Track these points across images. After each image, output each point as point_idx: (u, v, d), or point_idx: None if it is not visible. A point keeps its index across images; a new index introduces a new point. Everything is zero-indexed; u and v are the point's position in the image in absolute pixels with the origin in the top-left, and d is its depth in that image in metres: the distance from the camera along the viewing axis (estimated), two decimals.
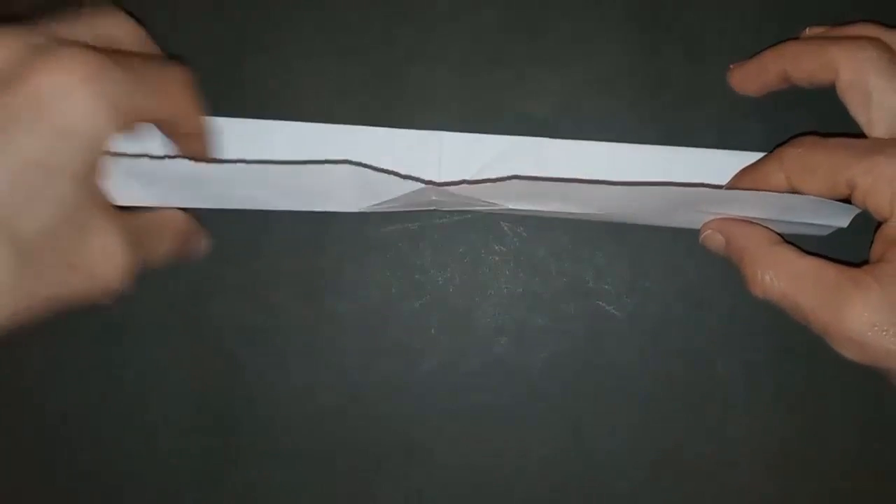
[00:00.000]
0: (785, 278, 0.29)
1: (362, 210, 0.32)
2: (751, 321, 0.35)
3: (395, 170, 0.34)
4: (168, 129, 0.30)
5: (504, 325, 0.36)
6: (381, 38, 0.36)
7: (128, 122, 0.26)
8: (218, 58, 0.35)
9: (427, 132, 0.34)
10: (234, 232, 0.35)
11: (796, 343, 0.35)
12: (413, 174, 0.34)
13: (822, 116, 0.33)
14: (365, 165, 0.32)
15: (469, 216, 0.36)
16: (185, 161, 0.30)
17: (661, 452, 0.35)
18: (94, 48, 0.25)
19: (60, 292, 0.25)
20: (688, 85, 0.36)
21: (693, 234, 0.34)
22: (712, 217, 0.32)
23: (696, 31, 0.36)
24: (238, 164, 0.30)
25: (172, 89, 0.28)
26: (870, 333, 0.26)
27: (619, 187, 0.29)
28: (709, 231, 0.32)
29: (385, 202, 0.32)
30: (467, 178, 0.34)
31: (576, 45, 0.36)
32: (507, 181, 0.33)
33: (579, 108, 0.35)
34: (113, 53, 0.25)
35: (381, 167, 0.34)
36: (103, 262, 0.26)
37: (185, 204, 0.31)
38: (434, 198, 0.32)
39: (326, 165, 0.30)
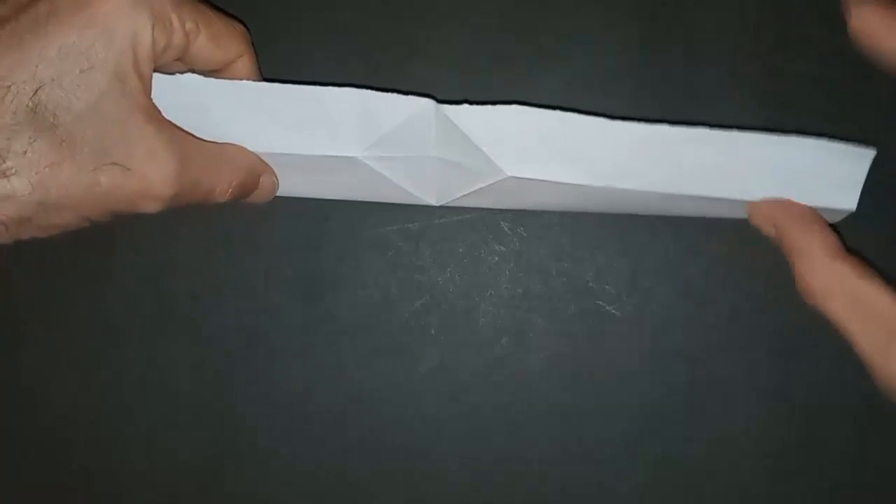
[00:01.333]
0: (840, 301, 0.27)
1: (364, 156, 0.30)
2: (752, 321, 0.35)
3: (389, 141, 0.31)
4: (219, 74, 0.30)
5: (504, 326, 0.35)
6: (379, 37, 0.35)
7: (171, 35, 0.27)
8: None
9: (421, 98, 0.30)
10: (229, 229, 0.35)
11: (797, 343, 0.35)
12: (410, 134, 0.31)
13: (828, 116, 0.33)
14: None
15: (469, 215, 0.35)
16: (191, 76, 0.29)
17: (662, 453, 0.35)
18: None
19: (110, 189, 0.26)
20: (688, 85, 0.35)
21: (694, 230, 0.34)
22: (758, 195, 0.30)
23: (696, 29, 0.35)
24: (235, 82, 0.29)
25: (224, 28, 0.29)
26: None
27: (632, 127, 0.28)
28: (759, 216, 0.30)
29: (386, 138, 0.30)
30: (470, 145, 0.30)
31: (576, 45, 0.35)
32: (512, 107, 0.29)
33: (576, 106, 0.35)
34: None
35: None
36: (149, 163, 0.26)
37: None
38: (434, 133, 0.30)
39: (328, 88, 0.29)
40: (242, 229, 0.35)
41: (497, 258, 0.36)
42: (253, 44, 0.31)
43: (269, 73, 0.35)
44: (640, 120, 0.29)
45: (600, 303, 0.35)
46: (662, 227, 0.35)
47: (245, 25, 0.31)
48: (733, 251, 0.35)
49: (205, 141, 0.29)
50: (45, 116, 0.24)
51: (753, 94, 0.35)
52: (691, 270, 0.35)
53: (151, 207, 0.27)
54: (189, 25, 0.28)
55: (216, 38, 0.29)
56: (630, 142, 0.29)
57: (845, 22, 0.32)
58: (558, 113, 0.30)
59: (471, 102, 0.29)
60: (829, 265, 0.27)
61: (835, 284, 0.27)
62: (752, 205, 0.30)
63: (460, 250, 0.36)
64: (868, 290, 0.27)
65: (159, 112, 0.28)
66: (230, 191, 0.30)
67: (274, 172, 0.32)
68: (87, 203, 0.26)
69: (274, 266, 0.35)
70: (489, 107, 0.29)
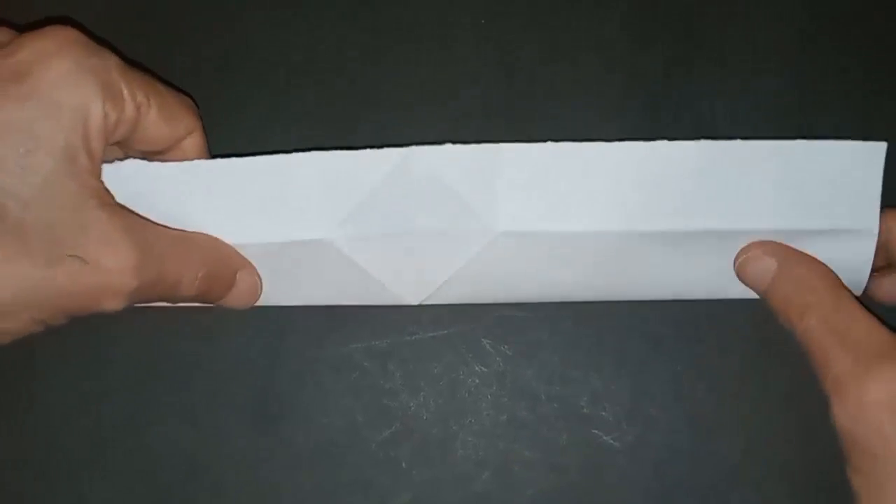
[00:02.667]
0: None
1: (336, 237, 0.28)
2: (768, 453, 0.32)
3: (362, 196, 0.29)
4: (164, 155, 0.29)
5: (486, 458, 0.33)
6: (347, 125, 0.34)
7: (122, 108, 0.25)
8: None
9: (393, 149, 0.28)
10: (170, 344, 0.33)
11: (819, 479, 0.32)
12: (386, 199, 0.28)
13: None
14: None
15: (445, 332, 0.33)
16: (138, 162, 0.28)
17: None
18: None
19: (66, 284, 0.24)
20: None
21: (703, 346, 0.33)
22: (754, 239, 0.29)
23: (704, 116, 0.34)
24: (187, 163, 0.28)
25: (175, 102, 0.28)
26: (884, 413, 0.24)
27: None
28: (755, 254, 0.29)
29: (359, 209, 0.28)
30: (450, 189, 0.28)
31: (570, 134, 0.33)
32: (498, 146, 0.28)
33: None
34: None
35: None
36: (106, 253, 0.24)
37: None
38: (414, 192, 0.28)
39: (288, 156, 0.28)
40: (185, 345, 0.33)
41: (478, 380, 0.33)
42: (201, 119, 0.29)
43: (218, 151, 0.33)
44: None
45: (596, 432, 0.33)
46: (667, 342, 0.33)
47: (192, 98, 0.29)
48: (747, 370, 0.32)
49: (167, 227, 0.27)
50: None
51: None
52: (700, 394, 0.33)
53: (113, 304, 0.25)
54: (140, 97, 0.26)
55: (167, 112, 0.27)
56: (632, 171, 0.28)
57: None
58: (550, 145, 0.28)
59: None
60: (834, 294, 0.27)
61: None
62: (743, 251, 0.29)
63: (435, 371, 0.33)
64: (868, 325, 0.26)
65: (111, 195, 0.25)
66: (197, 283, 0.27)
67: (256, 271, 0.30)
68: (42, 303, 0.24)
69: (221, 388, 0.33)
70: (472, 147, 0.28)
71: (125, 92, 0.25)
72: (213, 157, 0.31)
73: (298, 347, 0.33)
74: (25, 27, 0.26)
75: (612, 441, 0.32)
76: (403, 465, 0.32)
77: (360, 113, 0.33)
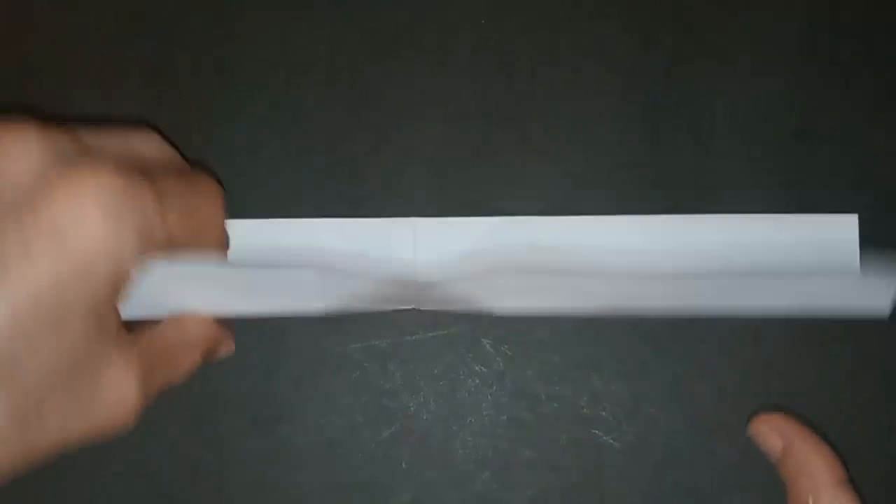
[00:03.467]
0: None
1: (329, 312, 0.29)
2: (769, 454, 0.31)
3: (364, 266, 0.31)
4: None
5: (486, 458, 0.32)
6: (344, 127, 0.33)
7: (153, 246, 0.23)
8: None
9: (398, 220, 0.32)
10: None
11: None
12: (384, 268, 0.31)
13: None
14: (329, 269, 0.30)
15: (445, 332, 0.33)
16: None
17: None
18: (121, 165, 0.23)
19: (66, 437, 0.23)
20: (695, 178, 0.33)
21: (704, 347, 0.32)
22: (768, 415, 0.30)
23: (704, 117, 0.33)
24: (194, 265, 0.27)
25: (203, 207, 0.26)
26: None
27: (626, 280, 0.28)
28: (764, 430, 0.30)
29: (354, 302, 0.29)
30: (448, 267, 0.31)
31: (570, 135, 0.33)
32: (494, 277, 0.29)
33: (572, 205, 0.33)
34: (141, 172, 0.23)
35: (349, 262, 0.31)
36: (114, 404, 0.24)
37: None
38: (410, 294, 0.29)
39: (289, 269, 0.28)
40: None
41: (478, 380, 0.33)
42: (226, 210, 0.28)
43: (221, 156, 0.33)
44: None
45: (596, 432, 0.32)
46: (668, 344, 0.32)
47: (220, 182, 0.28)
48: (747, 372, 0.32)
49: (164, 325, 0.26)
50: (6, 373, 0.21)
51: (770, 190, 0.32)
52: (700, 394, 0.32)
53: (113, 438, 0.24)
54: (173, 227, 0.24)
55: (196, 224, 0.25)
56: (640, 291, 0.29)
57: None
58: (558, 278, 0.29)
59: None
60: (833, 492, 0.28)
61: None
62: (756, 420, 0.31)
63: (435, 371, 0.33)
64: None
65: (125, 330, 0.24)
66: (190, 373, 0.27)
67: (231, 338, 0.29)
68: (49, 451, 0.23)
69: (221, 390, 0.32)
70: (473, 283, 0.29)
71: (159, 227, 0.23)
72: (212, 159, 0.31)
73: (298, 347, 0.32)
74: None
75: (612, 441, 0.32)
76: (403, 465, 0.32)
77: (360, 113, 0.33)
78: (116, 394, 0.24)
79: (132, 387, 0.24)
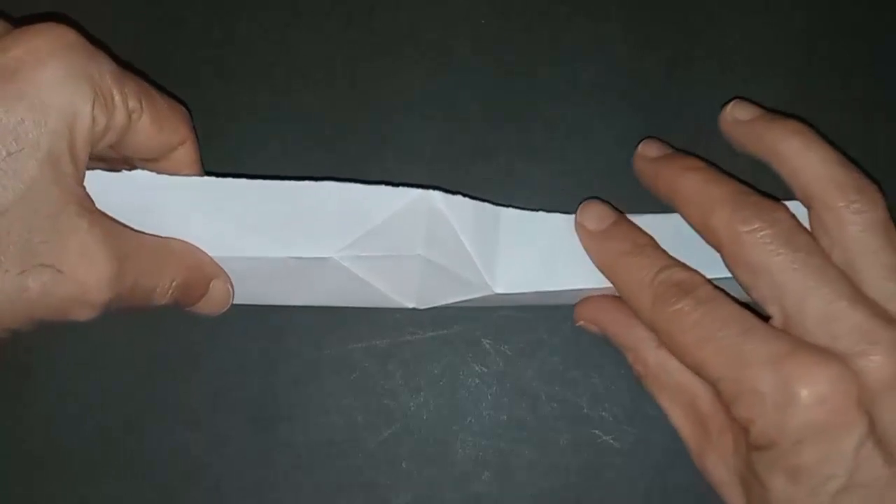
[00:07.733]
0: (667, 392, 0.29)
1: (340, 256, 0.28)
2: None
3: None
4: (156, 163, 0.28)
5: (486, 458, 0.32)
6: (345, 125, 0.33)
7: (112, 115, 0.25)
8: None
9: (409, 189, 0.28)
10: (168, 345, 0.32)
11: None
12: (395, 229, 0.28)
13: None
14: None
15: (445, 332, 0.33)
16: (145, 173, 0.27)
17: None
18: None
19: (39, 295, 0.23)
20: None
21: None
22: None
23: (704, 117, 0.33)
24: (194, 179, 0.27)
25: (168, 110, 0.27)
26: None
27: None
28: (582, 323, 0.30)
29: (367, 236, 0.28)
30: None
31: (570, 135, 0.33)
32: (497, 211, 0.29)
33: (572, 205, 0.32)
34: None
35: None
36: (83, 265, 0.23)
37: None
38: (424, 231, 0.28)
39: (303, 183, 0.27)
40: (184, 347, 0.32)
41: (478, 380, 0.33)
42: (195, 129, 0.28)
43: (213, 165, 0.32)
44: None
45: (597, 432, 0.32)
46: None
47: (186, 107, 0.28)
48: None
49: (144, 234, 0.26)
50: None
51: (771, 189, 0.31)
52: None
53: (84, 315, 0.24)
54: (132, 104, 0.25)
55: (159, 120, 0.26)
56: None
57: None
58: (544, 216, 0.29)
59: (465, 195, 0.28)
60: (655, 353, 0.28)
61: (662, 374, 0.28)
62: (577, 307, 0.31)
63: (435, 371, 0.33)
64: (682, 379, 0.28)
65: (92, 202, 0.24)
66: (171, 292, 0.27)
67: (229, 279, 0.29)
68: (12, 311, 0.23)
69: (221, 389, 0.32)
70: (488, 208, 0.28)
71: (117, 98, 0.25)
72: (212, 158, 0.31)
73: (298, 347, 0.32)
74: (23, 21, 0.25)
75: (612, 441, 0.32)
76: (403, 465, 0.32)
77: (360, 113, 0.33)
78: (85, 255, 0.23)
79: (102, 255, 0.24)
